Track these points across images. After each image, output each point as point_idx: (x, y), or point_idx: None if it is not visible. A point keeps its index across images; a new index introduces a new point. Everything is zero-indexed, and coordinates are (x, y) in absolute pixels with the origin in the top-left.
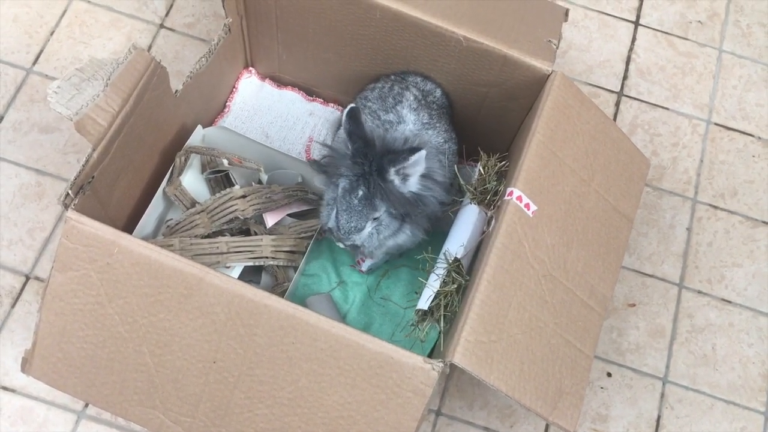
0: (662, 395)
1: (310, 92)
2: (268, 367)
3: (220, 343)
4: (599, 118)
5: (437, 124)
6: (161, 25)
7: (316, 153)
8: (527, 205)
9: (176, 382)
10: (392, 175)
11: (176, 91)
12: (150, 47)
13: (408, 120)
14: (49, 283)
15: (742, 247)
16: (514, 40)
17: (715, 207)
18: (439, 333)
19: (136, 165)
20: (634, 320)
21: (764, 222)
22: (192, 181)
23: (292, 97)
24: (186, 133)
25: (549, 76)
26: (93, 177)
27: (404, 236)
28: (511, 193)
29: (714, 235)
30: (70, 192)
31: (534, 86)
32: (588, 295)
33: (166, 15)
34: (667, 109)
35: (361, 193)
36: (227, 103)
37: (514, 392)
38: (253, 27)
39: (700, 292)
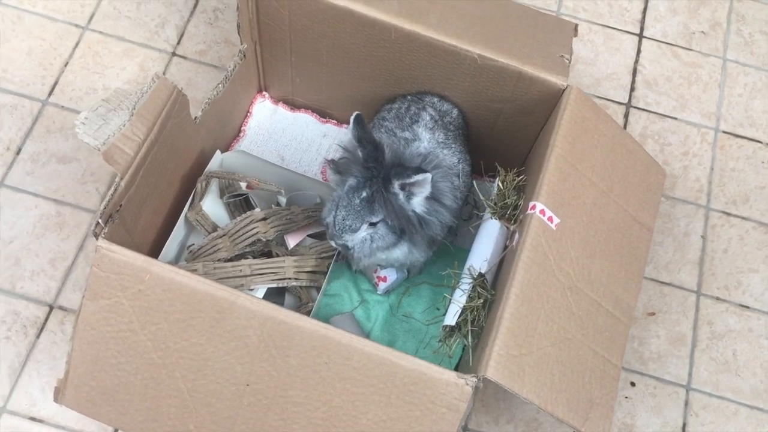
0: (686, 403)
1: (323, 114)
2: (302, 388)
3: (252, 366)
4: (615, 130)
5: (452, 145)
6: (173, 53)
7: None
8: (550, 218)
9: (210, 406)
10: (396, 188)
11: (195, 117)
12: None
13: (423, 138)
14: (80, 312)
15: (757, 252)
16: (527, 56)
17: (728, 214)
18: (464, 348)
19: (159, 192)
20: (655, 329)
21: None
22: (212, 205)
23: (305, 119)
24: (205, 158)
25: (564, 90)
26: (121, 205)
27: (400, 252)
28: (533, 207)
29: (728, 242)
30: (100, 221)
31: (548, 100)
32: (613, 306)
33: (178, 43)
34: (676, 118)
35: (364, 194)
36: (242, 128)
37: (546, 405)
38: (267, 52)
39: (718, 298)
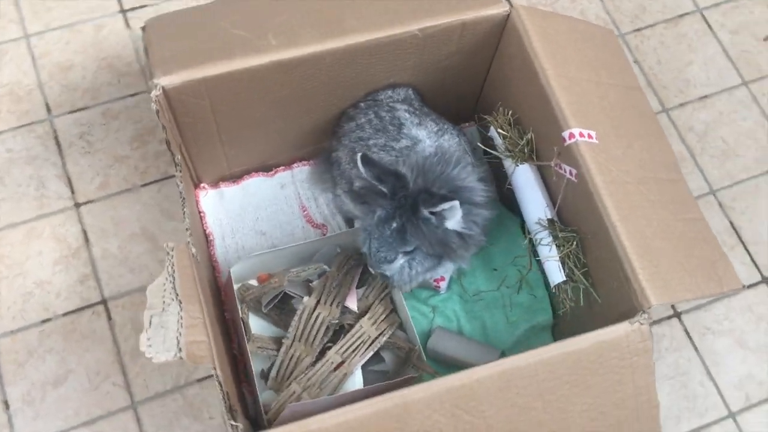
0: (720, 204)
1: (268, 168)
2: (510, 429)
3: None
4: (568, 23)
5: (444, 126)
6: (76, 205)
7: (317, 216)
8: (589, 136)
9: None
10: (426, 214)
11: (194, 254)
12: (85, 233)
13: (421, 137)
14: None
15: (679, 46)
16: (460, 3)
17: (639, 30)
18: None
19: (221, 350)
20: None
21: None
22: (256, 325)
23: (254, 183)
24: (226, 290)
25: (509, 15)
26: (228, 395)
27: (443, 269)
28: (572, 136)
29: (655, 53)
30: (232, 423)
31: (494, 32)
32: (667, 172)
33: (72, 192)
34: None
35: (394, 225)
36: (207, 232)
37: (697, 293)
38: (193, 148)
39: (681, 104)
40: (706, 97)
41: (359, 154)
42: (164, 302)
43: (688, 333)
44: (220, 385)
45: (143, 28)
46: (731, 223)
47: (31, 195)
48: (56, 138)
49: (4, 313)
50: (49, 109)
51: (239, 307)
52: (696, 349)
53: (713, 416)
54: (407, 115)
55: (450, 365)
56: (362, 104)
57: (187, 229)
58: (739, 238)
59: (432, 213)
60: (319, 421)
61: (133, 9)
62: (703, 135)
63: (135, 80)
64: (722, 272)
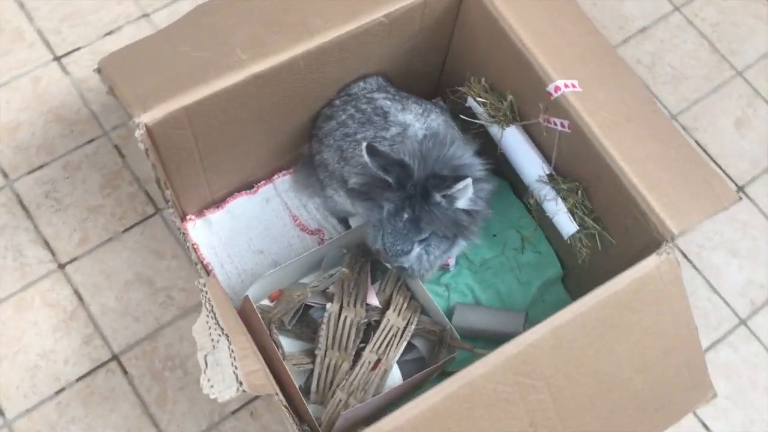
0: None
1: (250, 186)
2: (569, 384)
3: (523, 409)
4: None
5: (426, 105)
6: (60, 266)
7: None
8: (573, 85)
9: None
10: (438, 198)
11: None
12: (77, 293)
13: (409, 121)
14: None
15: None
16: None
17: None
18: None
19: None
20: None
21: None
22: (286, 342)
23: (239, 204)
24: (244, 315)
25: None
26: (297, 415)
27: (458, 248)
28: (558, 89)
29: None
30: None
31: (453, 4)
32: (646, 106)
33: (53, 254)
34: None
35: (406, 216)
36: (204, 263)
37: (706, 213)
38: (177, 180)
39: (624, 41)
40: (645, 28)
41: (364, 144)
42: (212, 339)
43: (684, 254)
44: (287, 408)
45: (99, 70)
46: (697, 143)
47: (10, 266)
48: (21, 202)
49: (14, 394)
50: (5, 175)
51: (268, 329)
52: (695, 267)
53: (726, 327)
54: (388, 102)
55: (478, 338)
56: (337, 102)
57: (196, 264)
58: (708, 155)
59: (444, 196)
60: (392, 420)
61: (66, 54)
62: (652, 65)
63: (88, 126)
64: (719, 189)
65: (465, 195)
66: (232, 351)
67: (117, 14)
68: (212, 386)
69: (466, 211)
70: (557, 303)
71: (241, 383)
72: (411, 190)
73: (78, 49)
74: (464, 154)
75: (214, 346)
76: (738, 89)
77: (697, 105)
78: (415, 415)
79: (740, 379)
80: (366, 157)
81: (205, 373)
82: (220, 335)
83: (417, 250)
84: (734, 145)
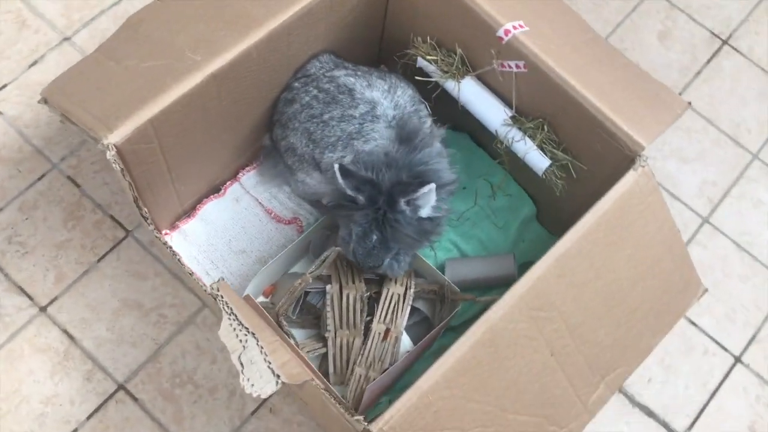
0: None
1: (216, 189)
2: (582, 297)
3: (542, 342)
4: None
5: (391, 80)
6: (41, 309)
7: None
8: (521, 26)
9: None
10: (403, 205)
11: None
12: (66, 332)
13: (377, 98)
14: None
15: None
16: None
17: None
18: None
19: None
20: None
21: None
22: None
23: (209, 209)
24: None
25: None
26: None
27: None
28: (507, 31)
29: None
30: (357, 418)
31: None
32: (587, 33)
33: (30, 299)
34: None
35: (375, 237)
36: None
37: (666, 123)
38: (149, 197)
39: None
40: None
41: (337, 166)
42: (240, 340)
43: None
44: (326, 392)
45: (45, 101)
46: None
47: None
48: None
49: (17, 427)
50: None
51: (277, 323)
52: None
53: (692, 228)
54: (351, 79)
55: (473, 288)
56: (296, 84)
57: (190, 274)
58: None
59: (407, 203)
60: (427, 379)
61: None
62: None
63: (34, 163)
64: (669, 99)
65: (428, 202)
66: (262, 347)
67: (36, 43)
68: (252, 385)
69: (430, 219)
70: (536, 240)
71: (278, 376)
72: (379, 213)
73: (4, 86)
74: (432, 159)
75: (244, 346)
76: (655, 5)
77: (620, 27)
78: (447, 369)
79: (715, 273)
80: (339, 179)
81: (242, 373)
82: (246, 334)
83: (387, 260)
84: (661, 58)
